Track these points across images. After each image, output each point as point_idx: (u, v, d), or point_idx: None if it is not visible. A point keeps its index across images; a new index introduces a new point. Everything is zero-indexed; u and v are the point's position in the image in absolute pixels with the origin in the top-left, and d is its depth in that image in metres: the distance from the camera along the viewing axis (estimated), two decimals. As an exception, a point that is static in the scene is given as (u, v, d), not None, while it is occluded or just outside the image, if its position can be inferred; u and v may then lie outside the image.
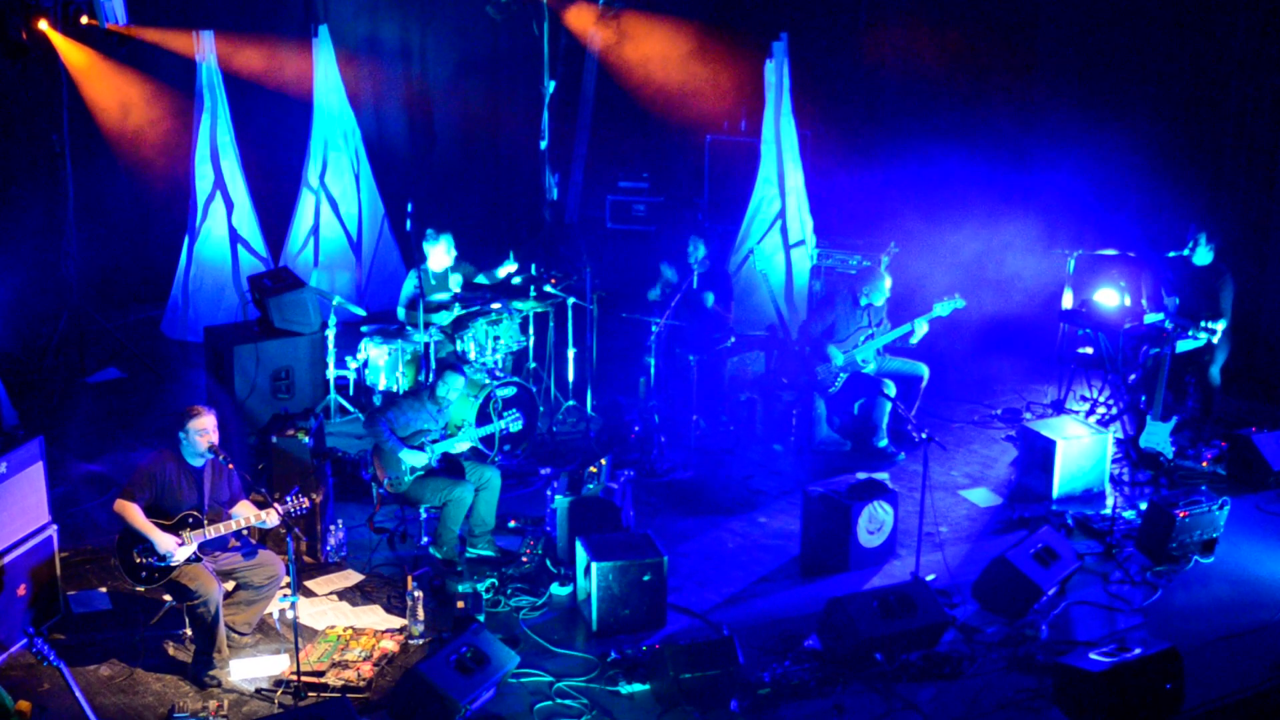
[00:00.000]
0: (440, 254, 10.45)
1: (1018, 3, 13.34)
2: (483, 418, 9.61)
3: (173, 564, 7.18)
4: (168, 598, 7.44)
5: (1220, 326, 9.89)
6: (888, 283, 10.24)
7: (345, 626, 7.72)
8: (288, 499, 7.44)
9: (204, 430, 7.29)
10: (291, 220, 12.90)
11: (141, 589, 7.24)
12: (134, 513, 7.15)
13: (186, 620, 7.38)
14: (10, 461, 7.32)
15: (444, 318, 10.46)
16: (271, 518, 7.37)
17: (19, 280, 11.88)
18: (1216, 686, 7.26)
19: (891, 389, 9.94)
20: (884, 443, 10.14)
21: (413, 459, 8.42)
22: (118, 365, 11.71)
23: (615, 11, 13.72)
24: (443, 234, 10.45)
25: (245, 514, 7.40)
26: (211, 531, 7.29)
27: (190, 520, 7.27)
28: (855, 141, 14.35)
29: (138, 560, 7.17)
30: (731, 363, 10.85)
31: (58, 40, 11.20)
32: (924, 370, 10.24)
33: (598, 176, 15.21)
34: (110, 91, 12.25)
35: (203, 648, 7.25)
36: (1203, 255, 10.05)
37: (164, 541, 7.16)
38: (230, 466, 7.40)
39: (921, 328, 10.12)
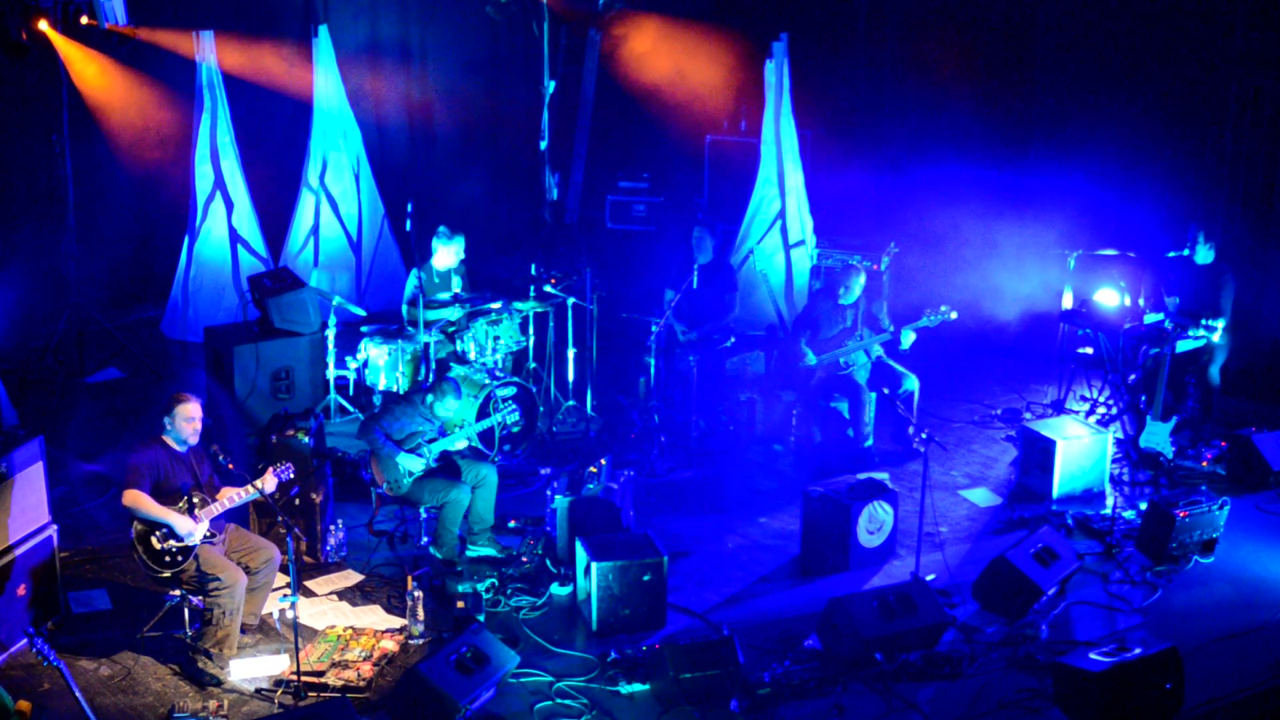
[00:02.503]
0: (448, 254, 10.43)
1: (1017, 3, 13.34)
2: (483, 418, 9.60)
3: (192, 543, 7.21)
4: (177, 591, 7.40)
5: (1220, 325, 9.90)
6: (860, 279, 10.18)
7: (345, 626, 7.72)
8: (274, 469, 7.47)
9: (190, 418, 7.33)
10: (291, 220, 12.89)
11: (167, 574, 7.21)
12: (147, 500, 7.16)
13: (191, 616, 7.35)
14: (10, 461, 7.32)
15: (451, 313, 10.44)
16: (269, 483, 7.39)
17: (19, 280, 11.88)
18: (1216, 686, 7.27)
19: (884, 390, 9.96)
20: (870, 443, 10.13)
21: (410, 463, 8.41)
22: (118, 365, 11.71)
23: (615, 11, 13.71)
24: (456, 235, 10.43)
25: (237, 491, 7.42)
26: (218, 507, 7.33)
27: (196, 500, 7.30)
28: (855, 141, 14.34)
29: (160, 546, 7.17)
30: (731, 363, 10.85)
31: (58, 41, 11.20)
32: (913, 384, 10.17)
33: (598, 176, 15.20)
34: (110, 91, 12.24)
35: (207, 645, 7.23)
36: (1203, 254, 10.05)
37: (182, 522, 7.19)
38: (223, 460, 7.46)
39: (908, 336, 10.08)
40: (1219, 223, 11.27)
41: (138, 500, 7.15)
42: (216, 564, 7.27)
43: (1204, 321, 9.83)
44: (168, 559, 7.19)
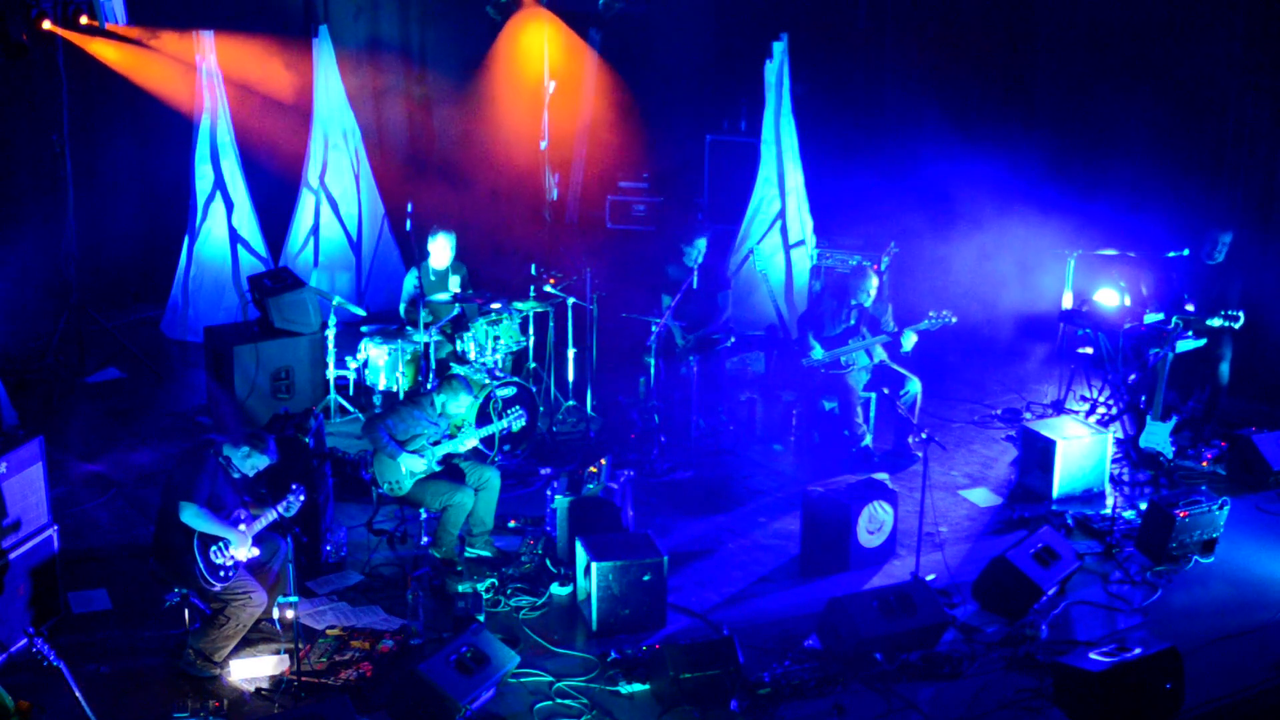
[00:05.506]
0: (439, 251, 10.47)
1: (1018, 3, 13.33)
2: (482, 417, 9.61)
3: (242, 559, 7.30)
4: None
5: (1241, 316, 9.87)
6: (873, 282, 10.19)
7: (345, 626, 7.72)
8: (293, 491, 7.54)
9: (260, 469, 7.47)
10: (291, 220, 12.90)
11: (219, 587, 7.22)
12: (207, 513, 7.19)
13: (191, 615, 7.35)
14: (10, 461, 7.32)
15: (445, 311, 10.45)
16: (294, 507, 7.50)
17: (19, 280, 11.88)
18: (1216, 686, 7.26)
19: (885, 391, 9.96)
20: (867, 441, 10.12)
21: (412, 464, 8.41)
22: (118, 365, 11.71)
23: (615, 11, 13.72)
24: (447, 232, 10.49)
25: (266, 511, 7.50)
26: (257, 525, 7.41)
27: (244, 517, 7.36)
28: (855, 141, 14.34)
29: (219, 560, 7.21)
30: (731, 363, 10.84)
31: (74, 37, 11.23)
32: (916, 386, 10.17)
33: (598, 176, 15.20)
34: (114, 88, 12.27)
35: (203, 645, 7.24)
36: (1221, 253, 10.09)
37: (238, 537, 7.24)
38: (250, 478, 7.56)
39: (909, 338, 10.07)
40: (1217, 223, 11.26)
41: (199, 513, 7.17)
42: (248, 584, 7.34)
43: (1223, 312, 9.77)
44: (222, 573, 7.22)
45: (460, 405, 8.68)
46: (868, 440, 10.12)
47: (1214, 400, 10.30)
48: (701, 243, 10.62)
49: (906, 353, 10.13)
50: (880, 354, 10.27)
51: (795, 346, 10.40)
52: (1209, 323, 9.84)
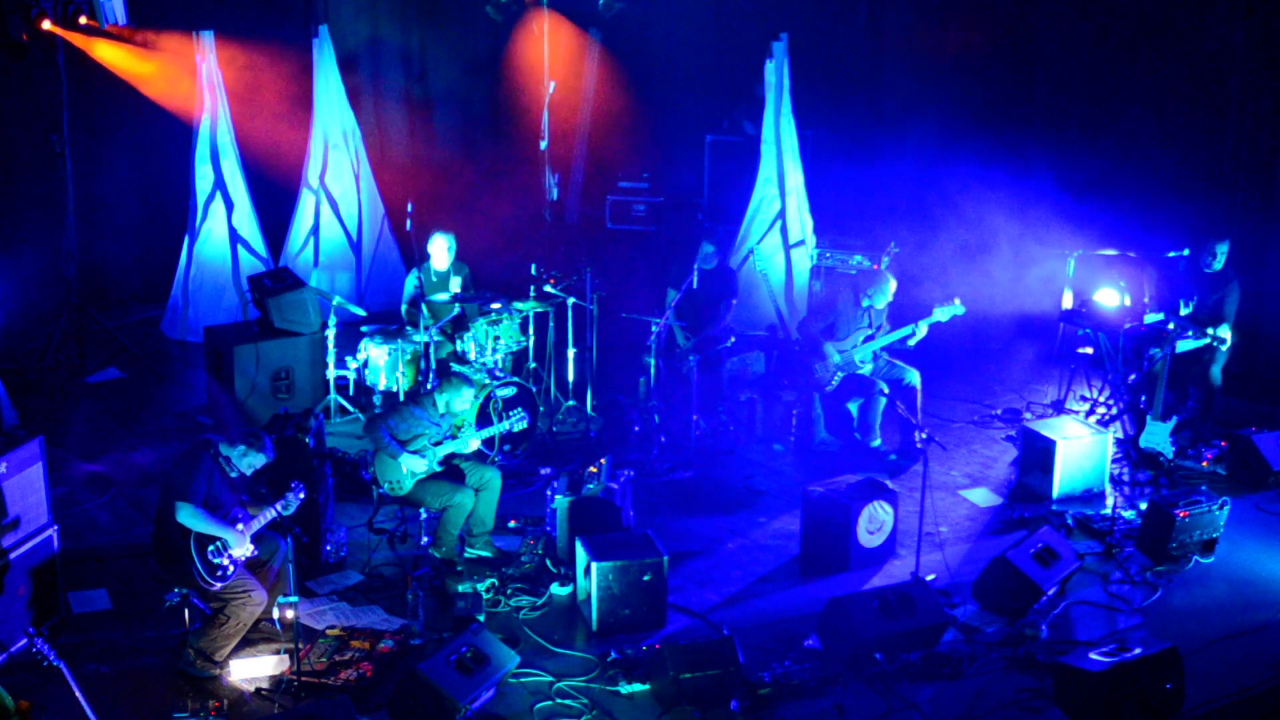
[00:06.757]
0: (439, 253, 10.49)
1: (1019, 3, 13.33)
2: (482, 418, 9.61)
3: (240, 557, 7.30)
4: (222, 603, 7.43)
5: (1227, 335, 9.90)
6: (892, 285, 10.17)
7: (345, 626, 7.72)
8: (292, 489, 7.53)
9: (256, 467, 7.47)
10: (291, 220, 12.90)
11: (217, 586, 7.22)
12: (203, 513, 7.18)
13: (191, 615, 7.35)
14: (10, 461, 7.32)
15: (446, 311, 10.46)
16: (292, 505, 7.48)
17: (19, 280, 11.88)
18: (1216, 686, 7.27)
19: (884, 389, 9.96)
20: (877, 443, 10.13)
21: (413, 464, 8.41)
22: (118, 365, 11.72)
23: (615, 11, 13.71)
24: (445, 233, 10.51)
25: (265, 509, 7.49)
26: (256, 524, 7.40)
27: (241, 516, 7.36)
28: (855, 141, 14.34)
29: (216, 560, 7.21)
30: (731, 363, 10.83)
31: (75, 38, 11.23)
32: (916, 378, 10.16)
33: (598, 176, 15.20)
34: (114, 88, 12.27)
35: (203, 645, 7.24)
36: (1219, 262, 10.10)
37: (235, 537, 7.24)
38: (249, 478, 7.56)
39: (921, 330, 10.08)
40: (1218, 224, 11.26)
41: (195, 513, 7.17)
42: (248, 583, 7.34)
43: (1210, 331, 9.83)
44: (219, 572, 7.22)
45: (464, 400, 8.67)
46: (877, 441, 10.13)
47: (1208, 401, 10.30)
48: (713, 256, 10.63)
49: (909, 347, 10.13)
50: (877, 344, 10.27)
51: (803, 352, 10.33)
52: (1189, 335, 9.85)
